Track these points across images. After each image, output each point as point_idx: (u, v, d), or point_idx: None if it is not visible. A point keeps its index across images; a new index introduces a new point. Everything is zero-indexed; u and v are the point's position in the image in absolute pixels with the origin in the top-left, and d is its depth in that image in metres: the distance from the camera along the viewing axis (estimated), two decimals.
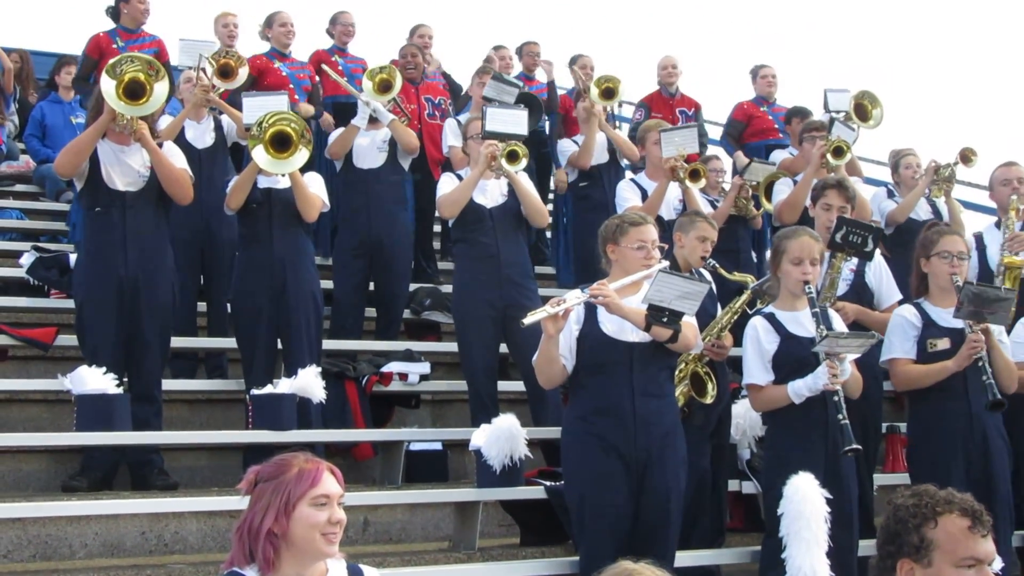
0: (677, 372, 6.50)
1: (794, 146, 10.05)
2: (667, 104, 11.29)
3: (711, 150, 11.19)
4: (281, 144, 7.20)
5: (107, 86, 6.71)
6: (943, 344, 6.30)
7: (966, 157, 9.35)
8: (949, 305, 6.34)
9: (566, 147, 10.05)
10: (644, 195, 8.23)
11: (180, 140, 8.21)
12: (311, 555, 3.64)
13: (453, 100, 11.04)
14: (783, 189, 8.80)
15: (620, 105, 12.17)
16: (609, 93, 10.07)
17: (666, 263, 5.78)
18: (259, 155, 7.20)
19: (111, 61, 6.86)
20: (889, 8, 26.01)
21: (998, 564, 4.12)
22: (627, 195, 8.32)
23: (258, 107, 7.65)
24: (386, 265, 8.88)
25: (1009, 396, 6.21)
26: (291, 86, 10.12)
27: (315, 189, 7.66)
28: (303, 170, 7.59)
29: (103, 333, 6.93)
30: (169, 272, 7.16)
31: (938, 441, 6.32)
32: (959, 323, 6.24)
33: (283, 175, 7.43)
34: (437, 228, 11.06)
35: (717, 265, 7.05)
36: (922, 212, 9.10)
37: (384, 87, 8.87)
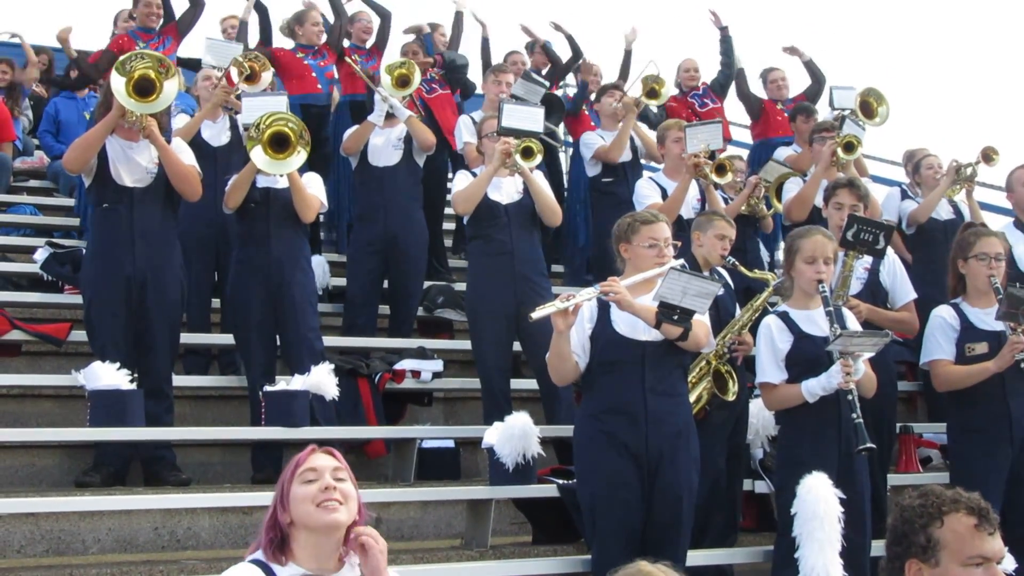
0: (698, 370, 6.52)
1: (799, 143, 10.03)
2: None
3: (730, 150, 11.15)
4: (280, 145, 7.19)
5: (117, 83, 6.71)
6: (981, 348, 6.30)
7: (988, 156, 9.33)
8: (987, 306, 6.35)
9: (591, 139, 9.99)
10: (664, 193, 8.21)
11: (196, 138, 8.23)
12: (316, 530, 3.66)
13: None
14: (793, 188, 8.79)
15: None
16: (653, 94, 10.14)
17: (679, 261, 5.77)
18: (257, 155, 7.18)
19: (121, 58, 6.86)
20: (900, 5, 25.90)
21: (1011, 564, 4.11)
22: (647, 192, 8.28)
23: (257, 107, 7.63)
24: (401, 263, 8.87)
25: None
26: (314, 75, 10.15)
27: (314, 190, 7.64)
28: (302, 171, 7.59)
29: (111, 330, 6.94)
30: (177, 269, 7.17)
31: (978, 445, 6.33)
32: (997, 326, 6.24)
33: (281, 175, 7.41)
34: (448, 226, 11.06)
35: (737, 263, 7.05)
36: (943, 212, 9.08)
37: (402, 82, 8.86)
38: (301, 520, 3.65)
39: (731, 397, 6.67)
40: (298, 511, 3.64)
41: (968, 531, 3.15)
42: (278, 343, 7.58)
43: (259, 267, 7.49)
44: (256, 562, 3.66)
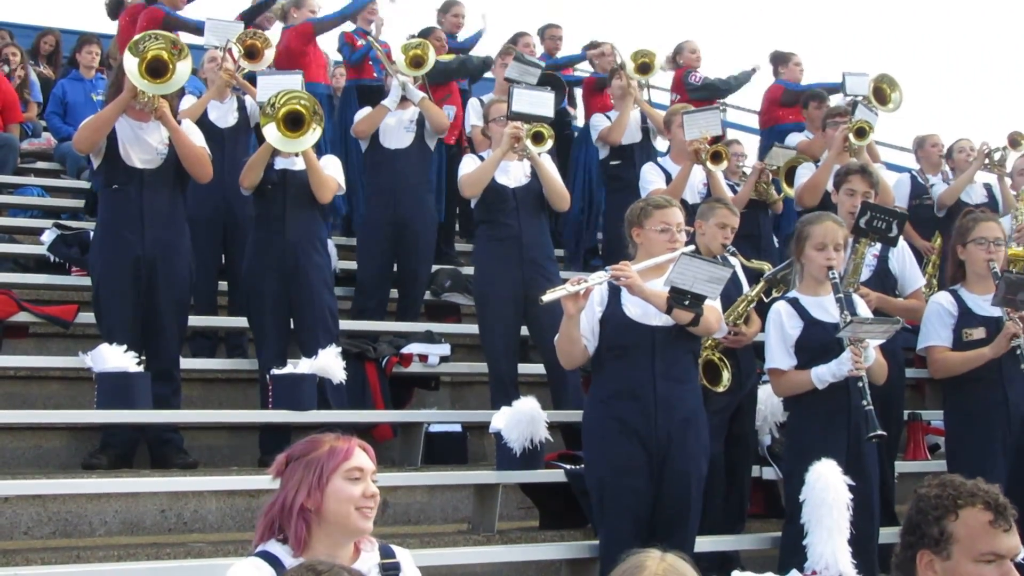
0: None
1: (810, 130, 10.00)
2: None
3: (731, 134, 11.10)
4: (294, 124, 7.16)
5: (129, 63, 6.70)
6: (979, 334, 6.29)
7: (1015, 141, 9.32)
8: (985, 292, 6.31)
9: (598, 122, 9.96)
10: (668, 178, 8.19)
11: (203, 120, 8.20)
12: (346, 531, 3.61)
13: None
14: (805, 173, 8.76)
15: (646, 88, 11.99)
16: (645, 68, 10.06)
17: (691, 246, 5.74)
18: (271, 133, 7.15)
19: (134, 38, 6.84)
20: None
21: (1022, 554, 4.08)
22: (651, 178, 8.27)
23: (272, 85, 7.61)
24: (410, 246, 8.85)
25: None
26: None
27: (331, 171, 7.62)
28: (320, 154, 7.56)
29: (119, 312, 6.92)
30: (186, 250, 7.16)
31: (975, 430, 6.31)
32: (995, 311, 6.21)
33: (297, 155, 7.39)
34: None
35: (737, 252, 7.04)
36: (976, 195, 9.07)
37: (416, 63, 8.83)
38: (334, 516, 3.57)
39: (722, 388, 6.65)
40: (336, 508, 3.56)
41: (982, 527, 3.09)
42: (292, 327, 7.56)
43: (275, 249, 7.47)
44: (265, 555, 3.57)
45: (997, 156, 9.17)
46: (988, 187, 9.23)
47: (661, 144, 10.23)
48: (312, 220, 7.61)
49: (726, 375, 6.67)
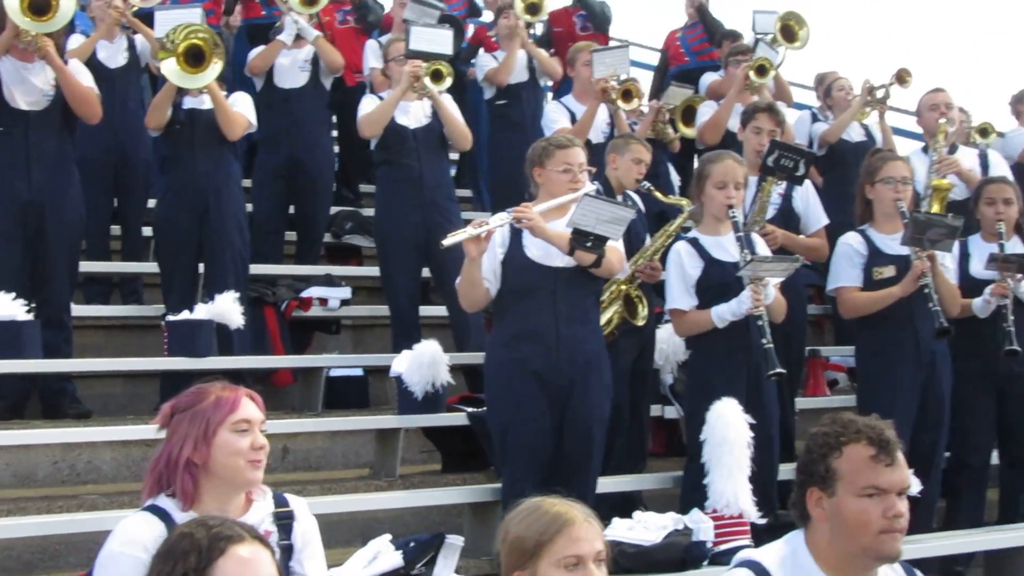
0: (608, 294, 6.49)
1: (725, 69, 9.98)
2: (566, 12, 11.11)
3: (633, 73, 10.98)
4: (195, 59, 6.97)
5: (10, 1, 6.46)
6: (889, 272, 6.34)
7: (901, 78, 9.34)
8: (894, 231, 6.36)
9: (484, 62, 9.79)
10: (572, 117, 8.12)
11: (91, 60, 7.94)
12: (235, 484, 3.54)
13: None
14: (707, 111, 8.78)
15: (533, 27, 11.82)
16: (534, 9, 9.93)
17: (592, 187, 5.70)
18: (169, 68, 6.96)
19: None
20: None
21: (916, 488, 4.10)
22: (555, 117, 8.19)
23: (170, 20, 7.39)
24: (307, 187, 8.71)
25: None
26: None
27: (241, 108, 7.46)
28: (228, 92, 7.39)
29: (7, 258, 6.72)
30: (76, 194, 6.97)
31: (886, 368, 6.37)
32: (904, 250, 6.26)
33: (201, 91, 7.21)
34: None
35: (652, 188, 7.02)
36: (854, 134, 9.11)
37: (310, 0, 8.65)
38: (222, 470, 3.48)
39: (641, 322, 6.70)
40: (225, 462, 3.47)
41: (864, 462, 3.12)
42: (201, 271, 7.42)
43: (186, 190, 7.32)
44: (154, 509, 3.48)
45: (880, 93, 9.21)
46: (866, 127, 9.28)
47: (548, 83, 10.15)
48: (223, 159, 7.44)
49: (642, 309, 6.69)
